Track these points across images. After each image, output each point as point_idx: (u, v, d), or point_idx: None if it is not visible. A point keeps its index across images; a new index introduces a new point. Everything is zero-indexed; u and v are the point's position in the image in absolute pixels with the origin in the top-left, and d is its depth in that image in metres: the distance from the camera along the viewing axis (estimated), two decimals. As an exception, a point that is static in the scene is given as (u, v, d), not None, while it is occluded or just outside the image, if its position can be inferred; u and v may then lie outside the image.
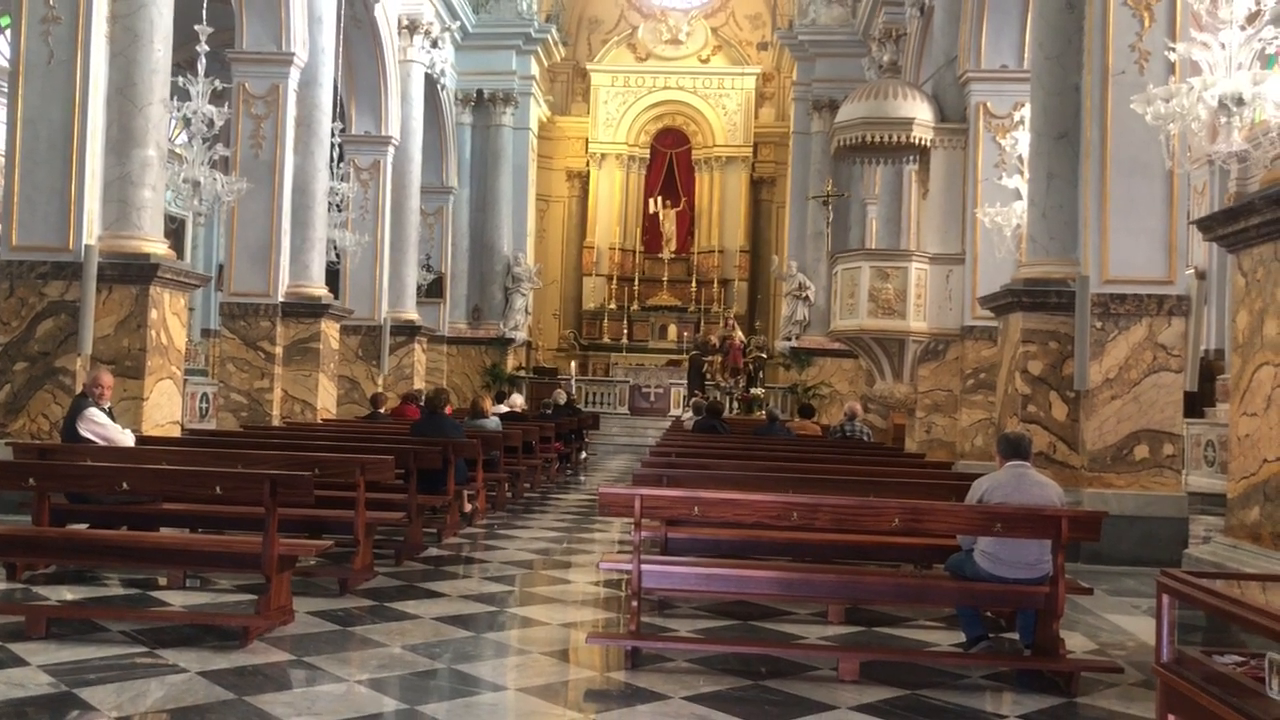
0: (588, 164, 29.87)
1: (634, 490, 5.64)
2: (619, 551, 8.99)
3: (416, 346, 20.74)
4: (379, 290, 19.11)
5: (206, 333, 24.78)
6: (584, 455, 18.85)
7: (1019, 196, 11.60)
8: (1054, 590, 5.35)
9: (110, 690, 4.69)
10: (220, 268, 19.59)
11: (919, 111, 13.62)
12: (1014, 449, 5.87)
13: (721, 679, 5.21)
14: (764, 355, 24.09)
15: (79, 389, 7.87)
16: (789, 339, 24.17)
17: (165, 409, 10.33)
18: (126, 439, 8.04)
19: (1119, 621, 6.87)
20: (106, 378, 8.10)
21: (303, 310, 14.95)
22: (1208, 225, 7.03)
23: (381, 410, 14.28)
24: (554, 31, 26.94)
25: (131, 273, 10.03)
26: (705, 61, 29.96)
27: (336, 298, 16.92)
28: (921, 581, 6.54)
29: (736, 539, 7.29)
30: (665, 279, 29.40)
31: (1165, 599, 4.06)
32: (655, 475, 7.77)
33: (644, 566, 5.54)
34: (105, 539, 6.71)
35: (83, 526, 7.29)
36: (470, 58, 24.83)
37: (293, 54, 14.71)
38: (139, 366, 9.99)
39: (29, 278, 10.00)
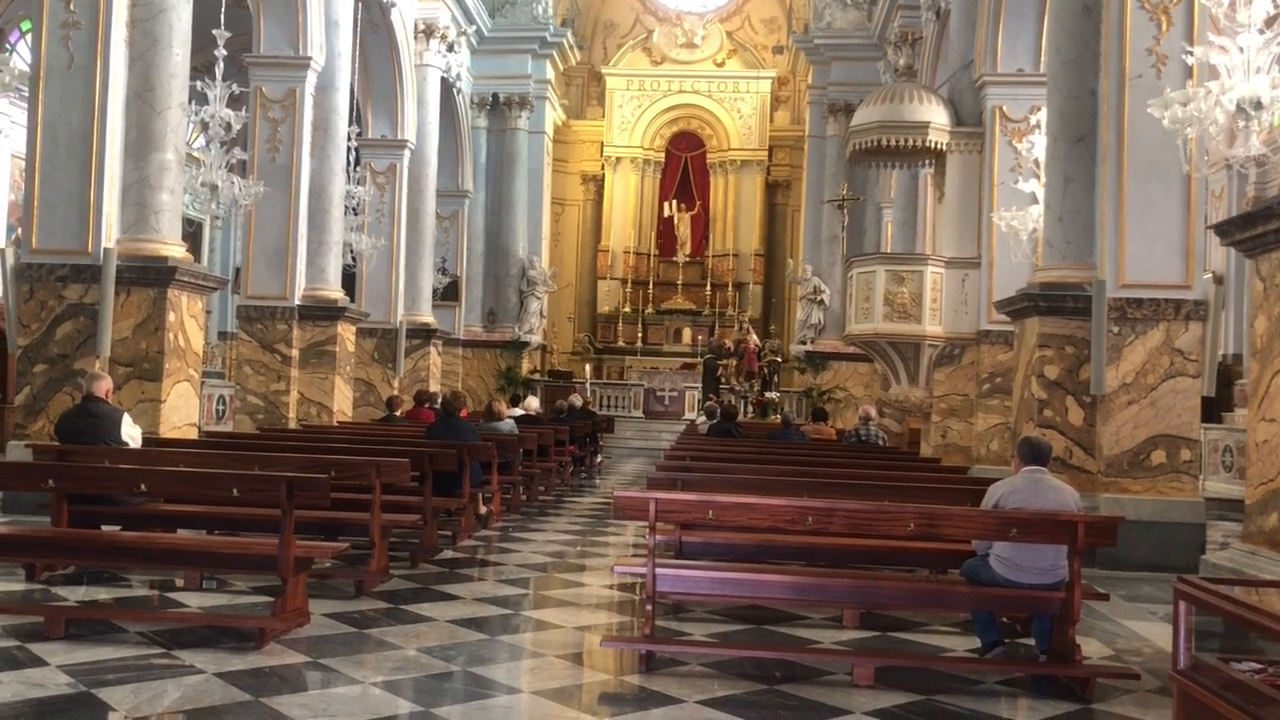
0: (603, 167, 29.90)
1: (648, 494, 5.64)
2: (633, 555, 9.00)
3: (432, 349, 20.80)
4: (395, 293, 19.18)
5: (223, 335, 24.91)
6: (598, 458, 18.85)
7: (1035, 200, 11.57)
8: (1070, 596, 5.33)
9: (128, 691, 4.72)
10: (237, 271, 19.68)
11: (934, 115, 13.59)
12: (1034, 454, 5.84)
13: (736, 683, 5.21)
14: (778, 359, 24.07)
15: (98, 393, 7.88)
16: (804, 343, 24.13)
17: (183, 411, 10.39)
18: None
19: (1135, 628, 6.83)
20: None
21: (319, 313, 15.02)
22: (1225, 230, 7.01)
23: (396, 413, 14.32)
24: (569, 35, 26.99)
25: (149, 275, 10.09)
26: (720, 65, 29.96)
27: (352, 301, 16.99)
28: (937, 586, 6.52)
29: (751, 543, 7.27)
30: (680, 282, 29.39)
31: (1182, 605, 4.05)
32: (669, 479, 7.76)
33: (658, 570, 5.55)
34: (123, 540, 6.76)
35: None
36: (486, 62, 24.91)
37: (309, 58, 14.78)
38: (157, 369, 10.05)
39: (48, 281, 10.07)
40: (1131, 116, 9.17)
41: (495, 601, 6.96)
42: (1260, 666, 3.84)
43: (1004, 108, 13.01)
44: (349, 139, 16.41)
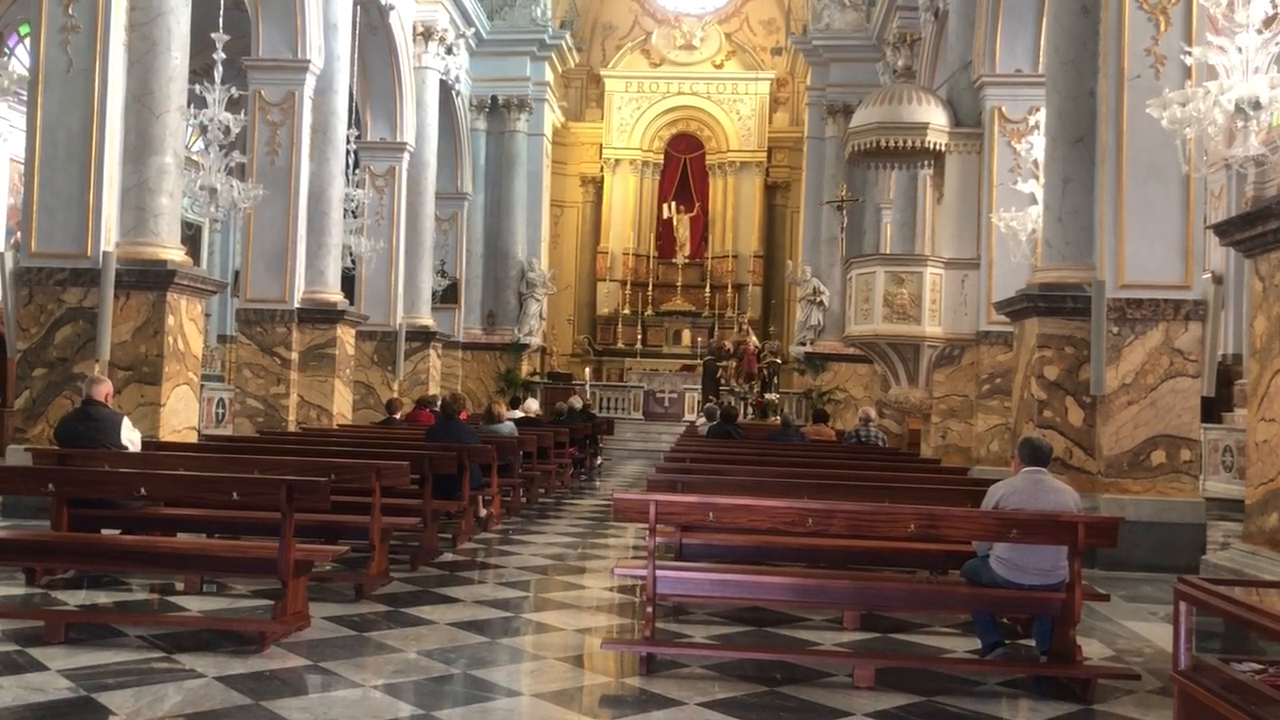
0: (602, 169, 29.90)
1: (648, 496, 5.64)
2: (633, 557, 9.00)
3: (431, 352, 20.80)
4: (394, 296, 19.17)
5: (223, 338, 24.90)
6: (598, 460, 18.85)
7: (1034, 201, 11.57)
8: (1070, 596, 5.33)
9: (128, 695, 4.71)
10: (236, 274, 19.70)
11: (933, 116, 13.59)
12: (1035, 454, 5.83)
13: (737, 685, 5.21)
14: (778, 360, 24.06)
15: (98, 397, 7.88)
16: (803, 344, 24.13)
17: (182, 414, 10.39)
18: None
19: (1136, 628, 6.83)
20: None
21: (318, 316, 15.01)
22: (1224, 230, 7.01)
23: (396, 415, 14.32)
24: (568, 38, 26.99)
25: (149, 279, 10.09)
26: (719, 67, 29.96)
27: (352, 304, 16.98)
28: (937, 588, 6.52)
29: (751, 544, 7.28)
30: (679, 284, 29.38)
31: (1183, 606, 4.05)
32: (670, 481, 7.77)
33: (659, 572, 5.54)
34: (123, 544, 6.75)
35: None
36: (485, 64, 24.91)
37: (308, 61, 14.78)
38: (156, 372, 10.05)
39: (48, 284, 10.07)
40: (1130, 117, 9.17)
41: (495, 604, 6.96)
42: (1261, 667, 3.84)
43: (1003, 108, 13.01)
44: (348, 142, 16.41)
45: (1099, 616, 7.01)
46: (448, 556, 8.74)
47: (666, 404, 25.18)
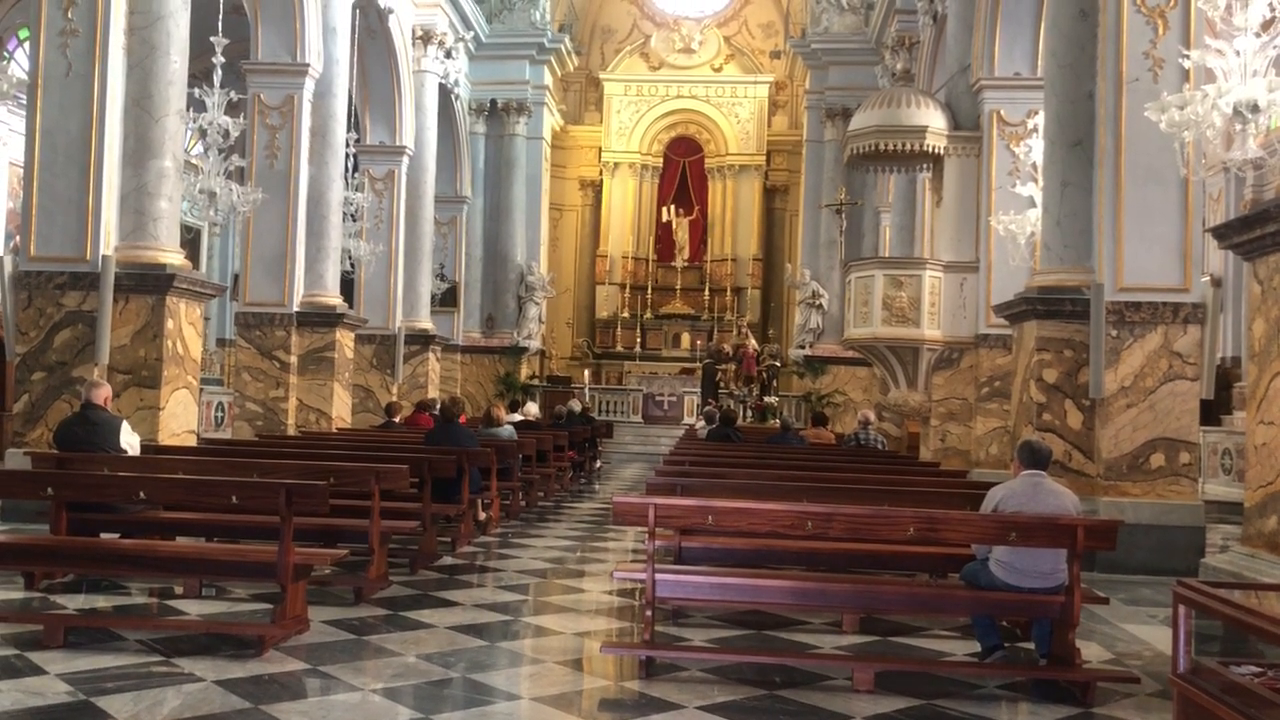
0: (601, 173, 29.91)
1: (648, 499, 5.64)
2: (633, 560, 8.99)
3: (430, 355, 20.81)
4: (393, 299, 19.19)
5: (222, 342, 24.89)
6: (597, 464, 18.86)
7: (1033, 204, 11.58)
8: (1070, 599, 5.33)
9: (128, 699, 4.71)
10: (235, 277, 19.68)
11: (932, 119, 13.60)
12: (1034, 458, 5.84)
13: (736, 688, 5.21)
14: (777, 363, 24.06)
15: (97, 400, 7.87)
16: (802, 347, 24.13)
17: (181, 418, 10.39)
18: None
19: (1135, 631, 6.83)
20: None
21: (317, 320, 15.01)
22: (1223, 233, 7.01)
23: (396, 419, 14.31)
24: (567, 41, 27.01)
25: (148, 283, 10.10)
26: (718, 70, 29.99)
27: (351, 307, 16.99)
28: (936, 591, 6.52)
29: (750, 548, 7.28)
30: (678, 287, 29.39)
31: (1182, 609, 4.05)
32: (669, 484, 7.77)
33: (658, 576, 5.54)
34: (122, 548, 6.75)
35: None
36: (484, 67, 24.94)
37: (307, 65, 14.80)
38: (155, 376, 10.06)
39: (47, 288, 10.07)
40: (1129, 120, 9.18)
41: (495, 608, 6.96)
42: (1260, 670, 3.84)
43: (1001, 111, 13.02)
44: (347, 145, 16.42)
45: (1098, 619, 7.01)
46: (447, 560, 8.74)
47: (665, 407, 25.18)
